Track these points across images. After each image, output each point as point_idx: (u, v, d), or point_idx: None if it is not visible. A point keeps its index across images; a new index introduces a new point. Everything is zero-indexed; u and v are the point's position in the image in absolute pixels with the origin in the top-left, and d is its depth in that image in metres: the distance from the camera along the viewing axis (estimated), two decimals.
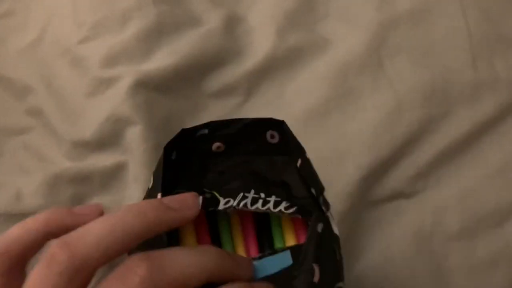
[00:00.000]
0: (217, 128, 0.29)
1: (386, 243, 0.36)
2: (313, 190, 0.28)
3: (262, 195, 0.28)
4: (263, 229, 0.29)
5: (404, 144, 0.39)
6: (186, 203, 0.26)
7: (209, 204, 0.27)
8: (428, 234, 0.37)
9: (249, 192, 0.28)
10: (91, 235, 0.22)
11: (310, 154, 0.36)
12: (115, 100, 0.40)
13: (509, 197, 0.38)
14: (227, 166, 0.30)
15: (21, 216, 0.38)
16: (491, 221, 0.37)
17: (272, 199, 0.28)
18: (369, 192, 0.38)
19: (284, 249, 0.27)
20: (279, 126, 0.29)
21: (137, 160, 0.38)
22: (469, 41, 0.44)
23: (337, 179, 0.38)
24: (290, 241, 0.28)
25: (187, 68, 0.43)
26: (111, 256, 0.22)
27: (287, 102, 0.43)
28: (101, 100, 0.41)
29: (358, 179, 0.38)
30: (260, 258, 0.27)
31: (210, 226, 0.29)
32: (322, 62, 0.44)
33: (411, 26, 0.45)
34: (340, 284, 0.25)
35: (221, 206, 0.27)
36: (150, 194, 0.28)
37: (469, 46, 0.44)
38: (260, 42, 0.45)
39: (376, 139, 0.40)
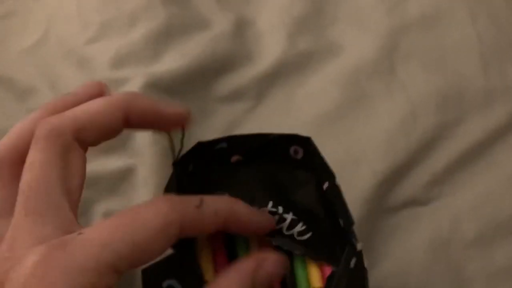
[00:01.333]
0: (237, 142, 0.28)
1: (403, 251, 0.36)
2: (340, 221, 0.26)
3: (280, 209, 0.27)
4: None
5: (419, 150, 0.39)
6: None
7: None
8: (445, 241, 0.36)
9: (267, 204, 0.27)
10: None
11: None
12: None
13: None
14: (248, 174, 0.29)
15: None
16: (508, 228, 0.36)
17: (290, 216, 0.27)
18: (385, 198, 0.38)
19: None
20: (305, 142, 0.28)
21: (146, 163, 0.37)
22: (480, 48, 0.44)
23: (352, 185, 0.37)
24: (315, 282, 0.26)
25: (196, 71, 0.42)
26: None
27: (297, 107, 0.42)
28: None
29: (373, 185, 0.37)
30: None
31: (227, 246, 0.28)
32: (333, 67, 0.44)
33: (422, 31, 0.45)
34: None
35: None
36: None
37: (479, 53, 0.44)
38: (270, 47, 0.44)
39: (390, 145, 0.39)
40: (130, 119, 0.25)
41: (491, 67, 0.43)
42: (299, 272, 0.27)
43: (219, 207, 0.23)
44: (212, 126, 0.41)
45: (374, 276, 0.35)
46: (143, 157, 0.37)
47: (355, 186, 0.37)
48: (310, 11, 0.46)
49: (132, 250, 0.19)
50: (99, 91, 0.28)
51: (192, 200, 0.22)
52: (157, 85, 0.40)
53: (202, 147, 0.28)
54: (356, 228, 0.26)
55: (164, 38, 0.43)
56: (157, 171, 0.37)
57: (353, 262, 0.25)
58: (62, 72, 0.43)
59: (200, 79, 0.42)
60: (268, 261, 0.23)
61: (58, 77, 0.43)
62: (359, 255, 0.25)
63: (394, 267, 0.35)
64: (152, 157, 0.37)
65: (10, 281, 0.18)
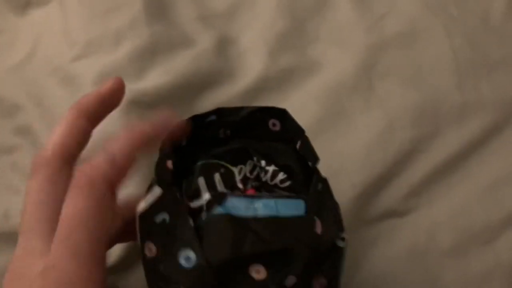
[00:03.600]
0: (224, 114, 0.31)
1: (382, 261, 0.37)
2: (310, 164, 0.29)
3: (263, 162, 0.30)
4: None
5: (396, 163, 0.40)
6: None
7: (227, 181, 0.29)
8: (422, 251, 0.37)
9: (251, 159, 0.30)
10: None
11: None
12: (108, 118, 0.40)
13: (499, 214, 0.39)
14: (233, 147, 0.31)
15: (9, 235, 0.37)
16: (482, 238, 0.38)
17: (271, 168, 0.30)
18: (364, 210, 0.39)
19: (298, 197, 0.28)
20: (281, 115, 0.31)
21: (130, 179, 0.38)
22: (455, 64, 0.45)
23: None
24: None
25: (180, 88, 0.43)
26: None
27: None
28: None
29: (353, 197, 0.38)
30: (274, 197, 0.27)
31: None
32: (314, 83, 0.45)
33: (400, 49, 0.46)
34: (341, 234, 0.27)
35: (237, 179, 0.29)
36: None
37: (455, 69, 0.45)
38: (252, 64, 0.46)
39: (369, 158, 0.40)
40: None
41: (465, 82, 0.45)
42: None
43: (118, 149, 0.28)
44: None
45: (354, 285, 0.36)
46: None
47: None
48: (291, 29, 0.47)
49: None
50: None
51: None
52: (141, 102, 0.41)
53: (194, 119, 0.30)
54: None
55: (148, 55, 0.43)
56: (142, 187, 0.38)
57: (319, 186, 0.28)
58: (48, 89, 0.44)
59: (183, 95, 0.43)
60: None
61: (44, 94, 0.44)
62: (325, 181, 0.29)
63: (374, 277, 0.36)
64: (135, 173, 0.38)
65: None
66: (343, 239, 0.27)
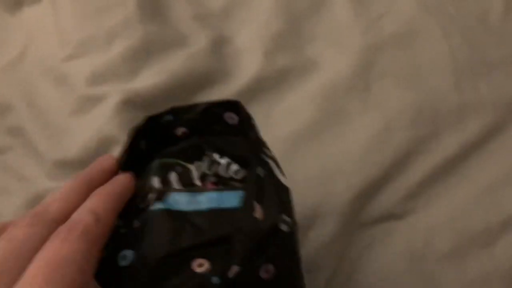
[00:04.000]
0: (180, 112, 0.30)
1: (379, 264, 0.36)
2: (257, 149, 0.29)
3: (216, 156, 0.29)
4: None
5: (393, 165, 0.39)
6: None
7: (185, 179, 0.28)
8: (420, 254, 0.36)
9: (206, 155, 0.29)
10: None
11: (300, 175, 0.35)
12: (102, 118, 0.39)
13: (497, 217, 0.38)
14: (188, 145, 0.30)
15: None
16: (481, 241, 0.37)
17: (225, 160, 0.29)
18: (361, 212, 0.38)
19: (237, 188, 0.27)
20: (236, 107, 0.30)
21: None
22: (453, 65, 0.45)
23: (328, 199, 0.37)
24: None
25: (174, 87, 0.42)
26: None
27: (275, 123, 0.43)
28: (87, 119, 0.40)
29: (349, 199, 0.37)
30: (218, 190, 0.27)
31: None
32: (310, 84, 0.44)
33: (397, 50, 0.46)
34: (285, 217, 0.26)
35: (195, 176, 0.28)
36: None
37: (453, 70, 0.45)
38: (248, 64, 0.45)
39: (366, 159, 0.40)
40: None
41: (464, 83, 0.44)
42: None
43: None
44: None
45: None
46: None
47: (331, 201, 0.38)
48: (287, 29, 0.47)
49: None
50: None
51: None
52: (134, 102, 0.40)
53: (150, 120, 0.29)
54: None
55: (142, 55, 0.43)
56: None
57: (260, 171, 0.27)
58: (40, 89, 0.43)
59: (178, 95, 0.42)
60: None
61: (36, 94, 0.43)
62: (268, 164, 0.28)
63: (370, 280, 0.36)
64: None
65: None
66: (287, 223, 0.25)
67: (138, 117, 0.39)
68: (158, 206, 0.25)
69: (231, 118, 0.30)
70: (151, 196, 0.26)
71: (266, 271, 0.24)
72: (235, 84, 0.44)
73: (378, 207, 0.38)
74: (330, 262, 0.36)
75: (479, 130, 0.41)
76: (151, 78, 0.41)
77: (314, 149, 0.41)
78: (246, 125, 0.29)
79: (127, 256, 0.24)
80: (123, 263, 0.24)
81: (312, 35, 0.47)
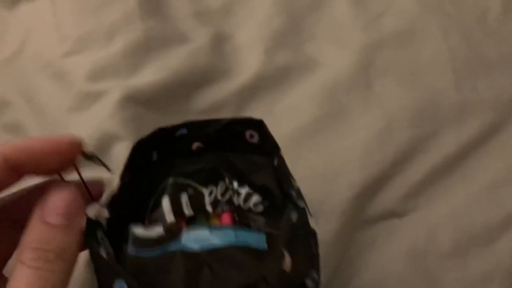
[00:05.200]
0: (196, 128, 0.29)
1: (381, 262, 0.36)
2: (285, 187, 0.27)
3: (235, 184, 0.28)
4: None
5: (395, 163, 0.40)
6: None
7: (196, 203, 0.27)
8: (422, 252, 0.36)
9: (223, 180, 0.28)
10: None
11: (301, 173, 0.35)
12: (102, 115, 0.39)
13: (498, 215, 0.38)
14: (207, 160, 0.29)
15: None
16: (482, 239, 0.37)
17: (245, 190, 0.27)
18: (362, 211, 0.38)
19: (258, 231, 0.26)
20: (258, 125, 0.28)
21: None
22: (452, 64, 0.45)
23: (330, 198, 0.37)
24: None
25: (175, 84, 0.42)
26: None
27: (276, 121, 0.42)
28: (87, 115, 0.39)
29: (351, 198, 0.37)
30: (235, 228, 0.26)
31: None
32: (311, 82, 0.44)
33: (397, 48, 0.46)
34: (313, 273, 0.24)
35: (207, 202, 0.27)
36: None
37: (452, 69, 0.45)
38: (249, 61, 0.45)
39: (367, 158, 0.40)
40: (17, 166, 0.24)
41: (463, 82, 0.44)
42: None
43: None
44: None
45: (352, 287, 0.36)
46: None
47: (333, 199, 0.37)
48: (287, 26, 0.47)
49: None
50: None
51: None
52: (135, 98, 0.40)
53: (162, 133, 0.28)
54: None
55: (142, 51, 0.43)
56: None
57: (294, 217, 0.25)
58: (39, 85, 0.43)
59: (179, 92, 0.42)
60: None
61: (35, 90, 0.43)
62: (302, 211, 0.25)
63: (372, 279, 0.36)
64: None
65: None
66: (314, 280, 0.24)
67: (140, 114, 0.39)
68: (173, 246, 0.24)
69: (252, 136, 0.29)
70: (159, 231, 0.25)
71: None
72: (236, 81, 0.44)
73: (380, 205, 0.38)
74: (331, 260, 0.36)
75: (478, 128, 0.42)
76: (152, 74, 0.41)
77: (315, 147, 0.41)
78: (269, 146, 0.28)
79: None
80: None
81: (312, 32, 0.47)
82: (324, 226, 0.37)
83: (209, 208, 0.27)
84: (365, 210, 0.38)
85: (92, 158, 0.25)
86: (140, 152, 0.27)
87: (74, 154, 0.24)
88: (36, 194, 0.24)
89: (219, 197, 0.27)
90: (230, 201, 0.27)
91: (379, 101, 0.43)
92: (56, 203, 0.23)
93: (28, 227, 0.22)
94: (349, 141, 0.41)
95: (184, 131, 0.29)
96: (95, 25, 0.43)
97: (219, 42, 0.46)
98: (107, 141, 0.38)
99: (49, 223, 0.22)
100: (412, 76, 0.44)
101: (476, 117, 0.42)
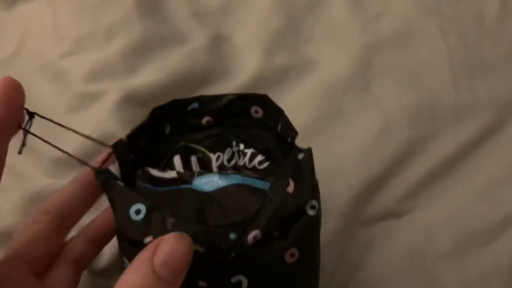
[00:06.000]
0: (206, 102, 0.31)
1: (380, 263, 0.36)
2: (289, 139, 0.29)
3: (241, 146, 0.30)
4: None
5: (393, 164, 0.40)
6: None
7: (203, 165, 0.29)
8: (420, 253, 0.36)
9: (231, 146, 0.30)
10: None
11: None
12: (100, 115, 0.39)
13: (496, 216, 0.38)
14: (214, 133, 0.31)
15: None
16: (480, 239, 0.37)
17: (250, 151, 0.30)
18: (361, 211, 0.38)
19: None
20: (263, 100, 0.30)
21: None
22: (450, 65, 0.45)
23: (329, 198, 0.37)
24: None
25: (173, 85, 0.42)
26: None
27: None
28: (85, 116, 0.40)
29: (350, 198, 0.38)
30: (242, 174, 0.29)
31: None
32: (309, 83, 0.44)
33: (395, 49, 0.46)
34: (313, 202, 0.26)
35: (213, 166, 0.29)
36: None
37: (450, 70, 0.45)
38: (247, 62, 0.45)
39: (365, 159, 0.40)
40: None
41: (461, 83, 0.44)
42: None
43: None
44: None
45: (351, 287, 0.36)
46: None
47: (331, 199, 0.37)
48: (286, 27, 0.47)
49: None
50: None
51: None
52: (133, 99, 0.40)
53: (176, 105, 0.30)
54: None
55: (141, 52, 0.43)
56: None
57: (300, 156, 0.27)
58: (37, 86, 0.42)
59: (177, 92, 0.42)
60: (164, 241, 0.22)
61: (33, 90, 0.42)
62: (308, 153, 0.28)
63: (371, 279, 0.36)
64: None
65: None
66: (314, 208, 0.26)
67: (138, 114, 0.39)
68: (185, 187, 0.27)
69: (256, 111, 0.30)
70: (173, 174, 0.28)
71: (291, 255, 0.24)
72: (234, 82, 0.44)
73: (378, 206, 0.38)
74: (330, 260, 0.36)
75: (477, 129, 0.42)
76: (150, 75, 0.41)
77: (314, 148, 0.40)
78: (275, 118, 0.30)
79: (141, 210, 0.24)
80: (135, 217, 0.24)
81: (310, 33, 0.47)
82: (323, 226, 0.36)
83: (215, 170, 0.29)
84: (364, 211, 0.38)
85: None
86: (154, 121, 0.29)
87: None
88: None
89: (225, 162, 0.30)
90: (235, 166, 0.30)
91: (377, 101, 0.43)
92: (173, 255, 0.22)
93: (134, 265, 0.22)
94: (348, 142, 0.41)
95: (196, 105, 0.31)
96: (94, 26, 0.43)
97: (218, 43, 0.46)
98: (105, 141, 0.38)
99: (159, 274, 0.21)
100: (411, 77, 0.44)
101: (474, 118, 0.42)
